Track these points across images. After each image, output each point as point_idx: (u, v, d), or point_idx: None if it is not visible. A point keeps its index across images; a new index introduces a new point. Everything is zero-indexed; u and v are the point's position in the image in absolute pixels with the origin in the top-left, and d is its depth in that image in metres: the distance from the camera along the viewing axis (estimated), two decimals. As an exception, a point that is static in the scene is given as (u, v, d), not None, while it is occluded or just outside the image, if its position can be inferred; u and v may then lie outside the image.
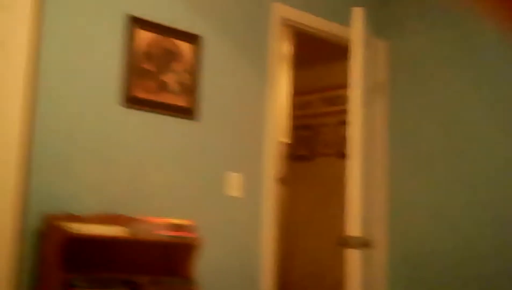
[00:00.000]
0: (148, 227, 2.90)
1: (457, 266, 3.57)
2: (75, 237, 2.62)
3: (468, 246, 3.54)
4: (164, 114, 3.31)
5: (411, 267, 3.75)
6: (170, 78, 3.35)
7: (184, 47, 3.43)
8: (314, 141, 4.52)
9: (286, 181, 4.71)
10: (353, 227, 3.26)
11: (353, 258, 3.23)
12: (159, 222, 2.94)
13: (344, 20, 4.00)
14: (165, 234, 2.92)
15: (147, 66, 3.27)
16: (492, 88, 3.60)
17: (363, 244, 3.28)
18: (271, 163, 3.70)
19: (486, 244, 3.47)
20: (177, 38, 3.40)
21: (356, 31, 3.49)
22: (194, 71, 3.45)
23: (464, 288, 3.51)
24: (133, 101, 3.20)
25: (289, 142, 4.74)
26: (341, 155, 4.23)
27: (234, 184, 3.55)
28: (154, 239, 2.89)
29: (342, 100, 4.42)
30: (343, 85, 3.92)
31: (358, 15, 3.51)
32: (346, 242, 3.29)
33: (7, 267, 2.64)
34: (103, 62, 3.10)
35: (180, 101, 3.39)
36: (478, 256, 3.48)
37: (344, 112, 3.96)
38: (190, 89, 3.43)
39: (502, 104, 3.55)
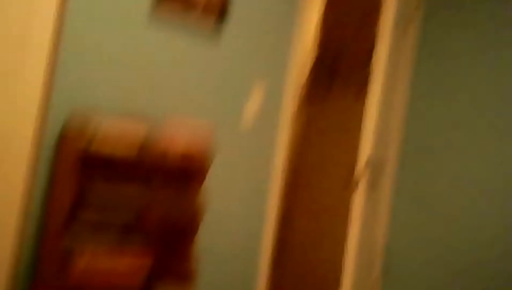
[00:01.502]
0: (157, 151, 3.01)
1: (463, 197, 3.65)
2: (88, 154, 2.76)
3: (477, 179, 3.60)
4: (190, 30, 3.36)
5: (411, 211, 3.84)
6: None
7: (217, -32, 3.40)
8: (335, 78, 4.50)
9: (301, 119, 4.76)
10: (361, 168, 3.33)
11: (357, 197, 3.32)
12: (170, 148, 3.04)
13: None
14: (173, 161, 3.04)
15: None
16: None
17: (369, 183, 3.37)
18: (290, 96, 3.74)
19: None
20: (211, -42, 3.36)
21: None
22: (224, -7, 3.44)
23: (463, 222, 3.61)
24: (160, 16, 3.25)
25: (308, 78, 4.73)
26: (361, 94, 4.21)
27: (253, 104, 3.62)
28: (162, 164, 3.01)
29: (373, 34, 4.34)
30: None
31: None
32: (353, 182, 3.38)
33: (26, 168, 2.78)
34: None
35: (207, 19, 3.42)
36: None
37: (372, 47, 3.90)
38: (218, 8, 3.44)
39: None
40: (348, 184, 3.39)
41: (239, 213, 3.65)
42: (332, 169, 4.34)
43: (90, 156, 2.81)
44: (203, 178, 3.16)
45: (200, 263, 3.36)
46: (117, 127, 2.89)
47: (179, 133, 3.14)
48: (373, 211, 3.67)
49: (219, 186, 3.54)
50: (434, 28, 3.88)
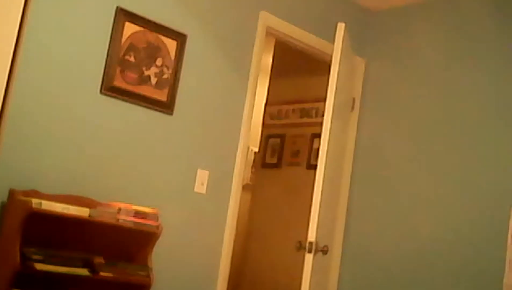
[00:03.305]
0: (110, 211, 2.99)
1: (406, 271, 3.69)
2: (36, 212, 2.71)
3: (420, 255, 3.66)
4: (141, 105, 3.41)
5: (361, 272, 3.87)
6: (151, 72, 3.46)
7: (169, 43, 3.54)
8: (285, 150, 4.65)
9: (251, 187, 4.84)
10: (312, 232, 3.36)
11: (308, 261, 3.33)
12: (122, 207, 3.03)
13: (326, 34, 4.12)
14: (126, 219, 3.01)
15: (130, 58, 3.38)
16: (459, 109, 3.73)
17: (319, 249, 3.39)
18: (239, 168, 3.80)
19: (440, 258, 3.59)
20: (163, 34, 3.51)
21: (337, 45, 3.61)
22: (175, 68, 3.56)
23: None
24: (112, 91, 3.31)
25: (258, 151, 4.88)
26: (310, 166, 4.34)
27: (201, 181, 3.65)
28: (115, 223, 2.98)
29: (317, 113, 4.55)
30: (320, 99, 4.03)
31: (340, 30, 3.63)
32: (303, 246, 3.40)
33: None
34: (88, 50, 3.20)
35: (159, 95, 3.50)
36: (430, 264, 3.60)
37: (318, 124, 4.06)
38: (170, 84, 3.54)
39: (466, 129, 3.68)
40: (300, 247, 3.41)
41: (193, 268, 3.59)
42: (285, 231, 4.37)
43: (39, 215, 2.76)
44: (156, 238, 3.13)
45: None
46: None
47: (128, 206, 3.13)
48: (323, 272, 3.66)
49: (173, 248, 3.48)
50: (372, 114, 4.12)
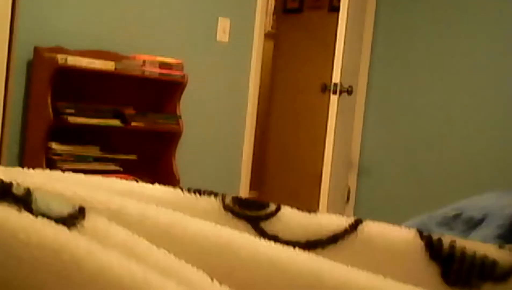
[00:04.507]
0: (135, 63, 3.03)
1: (433, 111, 3.71)
2: (62, 68, 2.76)
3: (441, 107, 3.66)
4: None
5: (386, 112, 3.89)
6: None
7: None
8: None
9: (274, 35, 4.79)
10: (336, 74, 3.38)
11: (333, 102, 3.37)
12: (147, 59, 3.06)
13: None
14: (152, 71, 3.05)
15: None
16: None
17: (344, 89, 3.42)
18: (261, 15, 3.75)
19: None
20: None
21: None
22: None
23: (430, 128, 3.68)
24: None
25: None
26: (333, 8, 4.25)
27: (223, 29, 3.63)
28: (141, 75, 3.02)
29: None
30: None
31: None
32: (328, 88, 3.43)
33: None
34: None
35: None
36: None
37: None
38: None
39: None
40: (325, 89, 3.44)
41: (221, 116, 3.68)
42: (310, 76, 4.40)
43: (66, 71, 2.81)
44: (182, 88, 3.18)
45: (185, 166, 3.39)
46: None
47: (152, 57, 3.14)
48: (349, 113, 3.72)
49: (200, 97, 3.55)
50: None
